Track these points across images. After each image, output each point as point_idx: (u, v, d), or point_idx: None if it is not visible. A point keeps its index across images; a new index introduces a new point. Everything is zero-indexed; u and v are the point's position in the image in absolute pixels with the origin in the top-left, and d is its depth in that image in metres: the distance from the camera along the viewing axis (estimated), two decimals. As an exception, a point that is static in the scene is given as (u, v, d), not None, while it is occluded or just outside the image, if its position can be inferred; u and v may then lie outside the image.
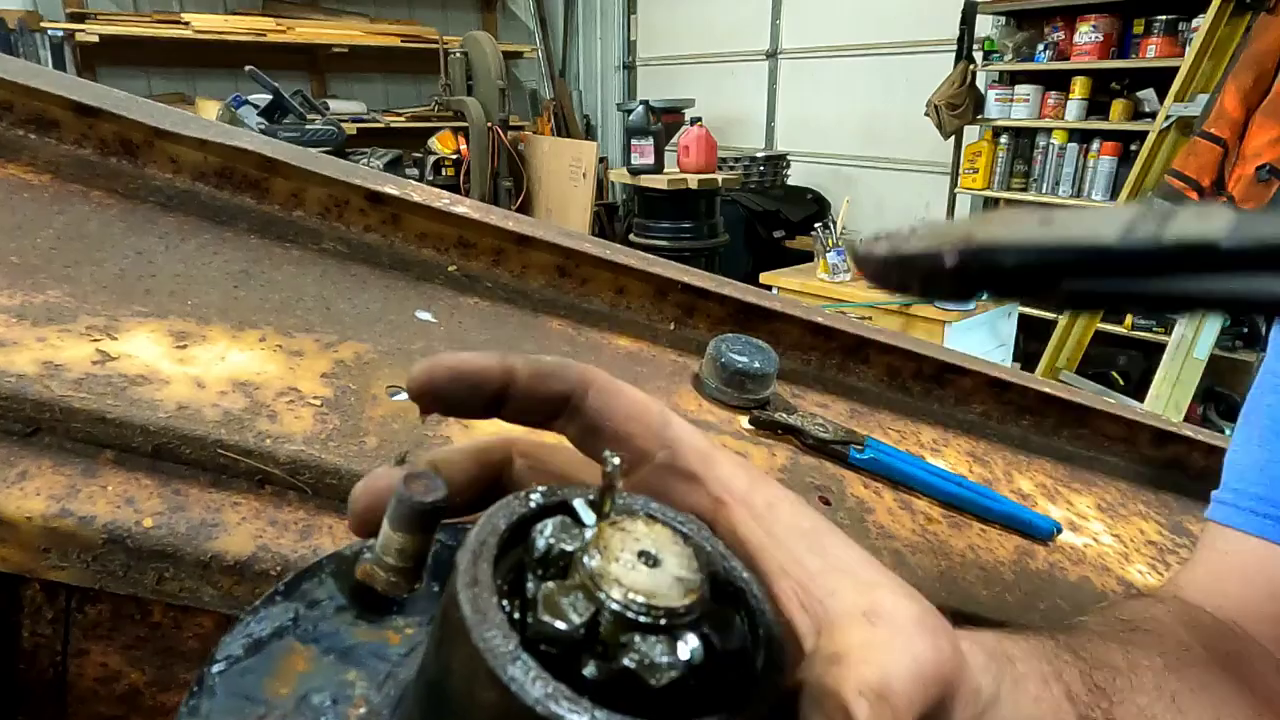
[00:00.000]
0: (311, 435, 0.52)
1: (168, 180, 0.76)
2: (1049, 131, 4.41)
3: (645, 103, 4.74)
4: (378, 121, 5.91)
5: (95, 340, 0.54)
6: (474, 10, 6.88)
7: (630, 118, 4.78)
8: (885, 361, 0.85)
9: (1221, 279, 0.19)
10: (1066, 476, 0.81)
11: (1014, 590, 0.62)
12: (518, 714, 0.18)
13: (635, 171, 4.71)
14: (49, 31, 4.95)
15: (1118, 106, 4.11)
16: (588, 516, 0.23)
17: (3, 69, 0.73)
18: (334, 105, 5.64)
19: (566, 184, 5.63)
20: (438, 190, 0.80)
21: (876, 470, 0.70)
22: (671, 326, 0.82)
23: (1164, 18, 3.88)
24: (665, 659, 0.20)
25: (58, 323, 0.55)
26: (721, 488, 0.27)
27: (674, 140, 4.82)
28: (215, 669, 0.23)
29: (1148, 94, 4.07)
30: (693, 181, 4.53)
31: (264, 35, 5.45)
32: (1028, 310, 4.12)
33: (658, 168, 4.68)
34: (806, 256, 4.52)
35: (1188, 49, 3.47)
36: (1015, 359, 3.93)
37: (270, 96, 4.25)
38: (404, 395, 0.59)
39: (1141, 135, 3.68)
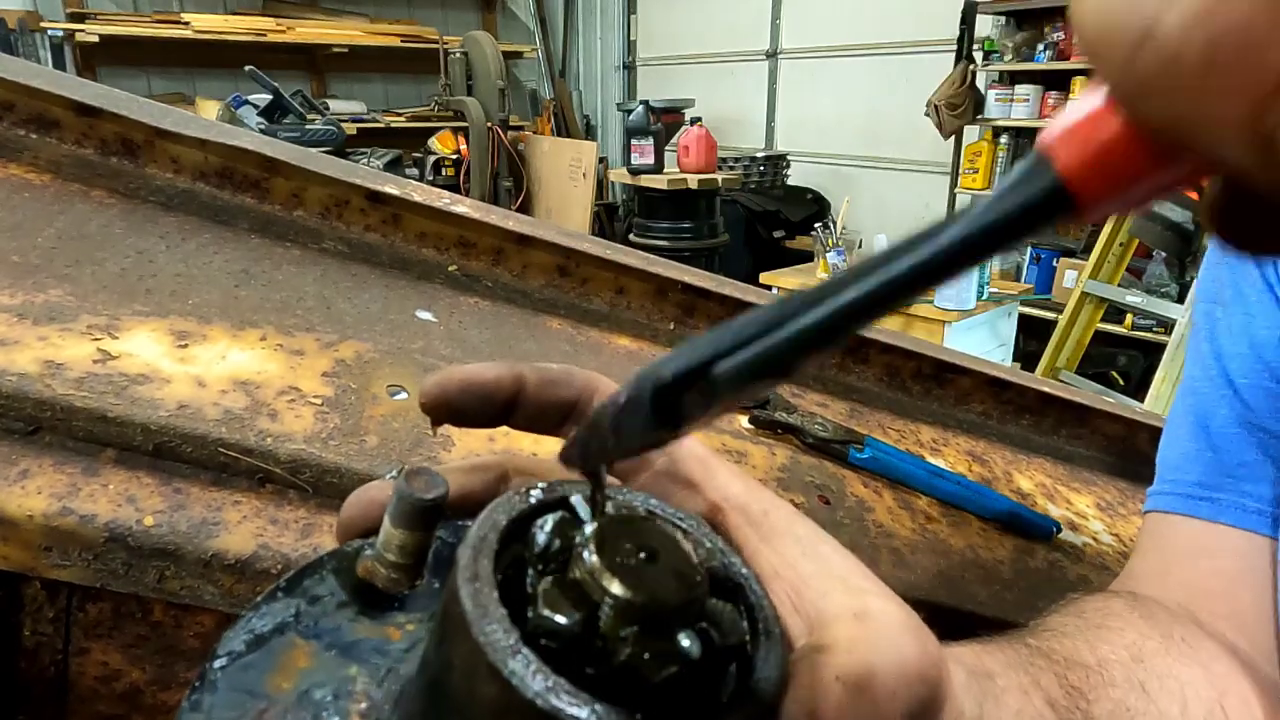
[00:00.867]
0: (312, 434, 0.52)
1: (168, 180, 0.76)
2: (1049, 131, 4.41)
3: (645, 103, 4.74)
4: (378, 121, 5.91)
5: (96, 339, 0.54)
6: (474, 10, 6.88)
7: (630, 118, 4.78)
8: (885, 361, 0.86)
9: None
10: (1066, 476, 0.82)
11: (1013, 589, 0.62)
12: (518, 708, 0.18)
13: (635, 171, 4.71)
14: (49, 31, 4.96)
15: (1117, 106, 4.11)
16: (587, 513, 0.23)
17: (3, 69, 0.73)
18: (334, 105, 5.64)
19: (566, 184, 5.63)
20: (438, 190, 0.80)
21: (876, 469, 0.70)
22: (671, 326, 0.82)
23: (1164, 18, 3.88)
24: (664, 654, 0.20)
25: (59, 322, 0.55)
26: (719, 494, 0.28)
27: (674, 140, 4.82)
28: (217, 664, 0.23)
29: (1147, 94, 4.07)
30: (693, 181, 4.53)
31: (264, 35, 5.45)
32: (1028, 310, 4.12)
33: (658, 168, 4.68)
34: (806, 256, 4.52)
35: (1187, 49, 3.46)
36: (1015, 359, 3.93)
37: (270, 96, 4.26)
38: (404, 394, 0.59)
39: (1141, 135, 3.67)
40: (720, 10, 6.29)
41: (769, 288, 3.28)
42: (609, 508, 0.24)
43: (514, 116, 5.82)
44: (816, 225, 3.99)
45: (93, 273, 0.62)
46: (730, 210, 5.14)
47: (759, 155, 5.68)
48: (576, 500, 0.24)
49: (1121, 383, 3.93)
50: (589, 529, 0.22)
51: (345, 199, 0.77)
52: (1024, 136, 4.59)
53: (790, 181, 5.77)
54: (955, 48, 4.53)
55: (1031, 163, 0.17)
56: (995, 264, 4.08)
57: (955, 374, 0.86)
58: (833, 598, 0.25)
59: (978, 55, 4.55)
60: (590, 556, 0.21)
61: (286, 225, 0.76)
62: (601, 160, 5.88)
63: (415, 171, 5.44)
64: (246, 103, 4.25)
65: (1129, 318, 3.93)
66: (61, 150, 0.74)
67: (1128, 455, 0.88)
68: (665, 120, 4.74)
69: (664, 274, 0.81)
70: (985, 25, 4.63)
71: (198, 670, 0.23)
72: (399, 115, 6.11)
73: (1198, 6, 0.14)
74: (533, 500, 0.24)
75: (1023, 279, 4.52)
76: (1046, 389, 0.87)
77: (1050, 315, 4.02)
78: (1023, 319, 3.98)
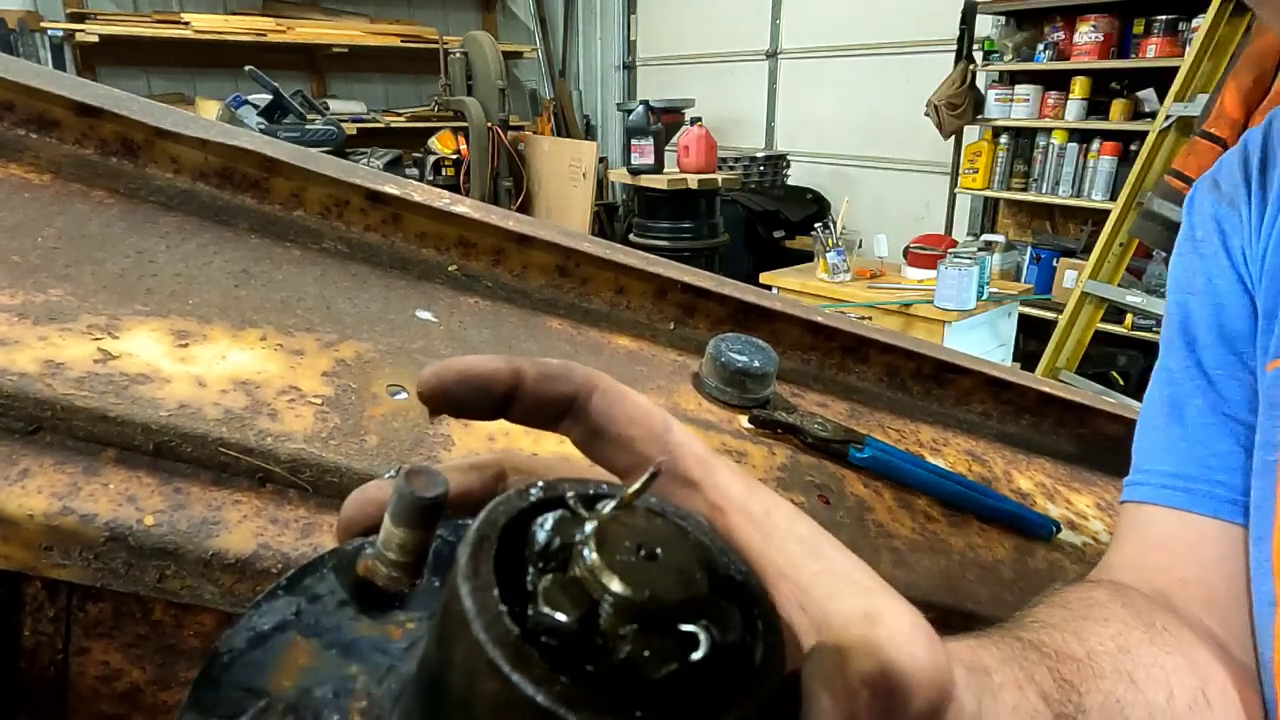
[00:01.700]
0: (312, 434, 0.52)
1: (168, 180, 0.76)
2: (1049, 131, 4.41)
3: (645, 103, 4.74)
4: (378, 121, 5.91)
5: (96, 339, 0.54)
6: (474, 10, 6.87)
7: (630, 118, 4.78)
8: (885, 361, 0.86)
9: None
10: (1066, 476, 0.82)
11: (1013, 589, 0.62)
12: (518, 706, 0.18)
13: (635, 171, 4.71)
14: (49, 31, 4.96)
15: (1118, 106, 4.11)
16: (587, 511, 0.23)
17: (3, 69, 0.73)
18: (334, 105, 5.64)
19: (566, 184, 5.63)
20: (438, 190, 0.80)
21: (876, 469, 0.70)
22: (671, 326, 0.83)
23: (1164, 18, 3.88)
24: (664, 652, 0.20)
25: (59, 322, 0.55)
26: (719, 494, 0.28)
27: (674, 140, 4.82)
28: (218, 662, 0.23)
29: (1148, 94, 4.07)
30: (693, 181, 4.53)
31: (264, 35, 5.45)
32: (1028, 310, 4.12)
33: (658, 168, 4.68)
34: (806, 256, 4.51)
35: (1188, 49, 3.46)
36: (1015, 359, 3.93)
37: (270, 96, 4.26)
38: (404, 394, 0.59)
39: (1141, 135, 3.68)
40: (720, 10, 6.29)
41: (769, 288, 3.28)
42: (609, 506, 0.24)
43: (514, 116, 5.82)
44: (816, 225, 3.99)
45: (93, 273, 0.62)
46: (730, 210, 5.14)
47: (759, 155, 5.67)
48: (575, 498, 0.24)
49: (1121, 383, 3.93)
50: (589, 527, 0.22)
51: (345, 199, 0.77)
52: (1024, 136, 4.58)
53: (790, 181, 5.77)
54: (955, 48, 4.53)
55: None
56: (995, 264, 4.08)
57: (955, 374, 0.86)
58: (840, 599, 0.25)
59: (978, 55, 4.55)
60: (590, 554, 0.21)
61: (286, 225, 0.76)
62: (601, 160, 5.88)
63: (415, 171, 5.44)
64: (246, 103, 4.25)
65: (1129, 318, 3.93)
66: (61, 150, 0.74)
67: (1127, 455, 0.88)
68: (665, 120, 4.74)
69: (664, 274, 0.81)
70: (985, 25, 4.62)
71: (198, 669, 0.23)
72: (399, 115, 6.11)
73: None
74: (533, 498, 0.24)
75: (1023, 279, 4.52)
76: (1046, 389, 0.87)
77: (1050, 315, 4.02)
78: (1023, 319, 3.98)
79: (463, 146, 5.54)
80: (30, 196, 0.68)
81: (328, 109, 5.17)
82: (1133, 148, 3.90)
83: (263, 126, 4.06)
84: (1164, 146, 3.33)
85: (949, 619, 0.58)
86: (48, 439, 0.48)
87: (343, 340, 0.63)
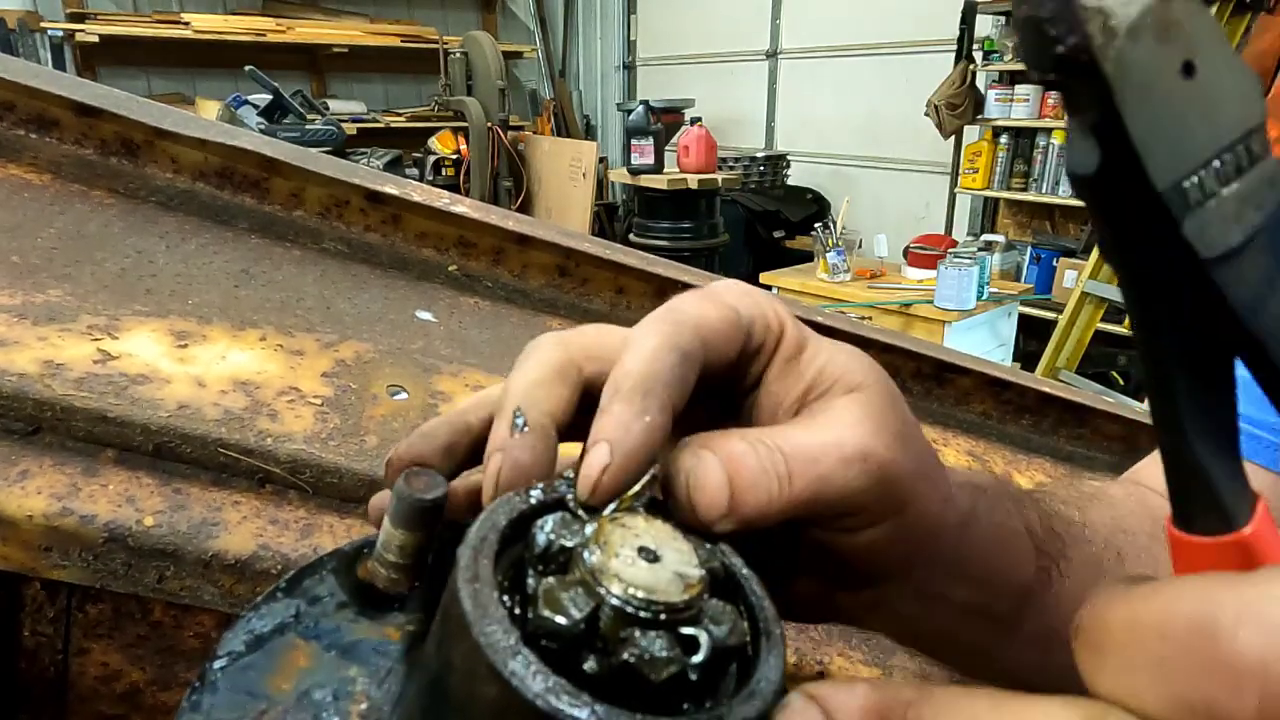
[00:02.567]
0: (312, 434, 0.52)
1: (168, 180, 0.76)
2: (1049, 131, 4.41)
3: (645, 103, 4.74)
4: (378, 121, 5.91)
5: (96, 339, 0.54)
6: (474, 10, 6.88)
7: (630, 118, 4.78)
8: (885, 361, 0.85)
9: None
10: (1066, 476, 0.82)
11: (1013, 589, 0.62)
12: (518, 708, 0.18)
13: (635, 171, 4.71)
14: (49, 31, 4.96)
15: (1118, 106, 4.11)
16: (587, 513, 0.23)
17: (3, 69, 0.73)
18: (334, 105, 5.64)
19: (566, 184, 5.63)
20: (438, 190, 0.80)
21: (876, 469, 0.69)
22: (671, 326, 0.82)
23: (1164, 18, 3.88)
24: (665, 654, 0.20)
25: (59, 322, 0.55)
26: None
27: (674, 140, 4.82)
28: (217, 664, 0.23)
29: (1148, 94, 4.07)
30: (693, 181, 4.53)
31: (264, 35, 5.45)
32: (1028, 310, 4.12)
33: (658, 168, 4.68)
34: (806, 256, 4.52)
35: (1187, 49, 3.46)
36: (1015, 359, 3.93)
37: (270, 96, 4.26)
38: (404, 395, 0.59)
39: (1141, 135, 3.67)
40: (720, 10, 6.29)
41: (769, 288, 3.28)
42: (609, 508, 0.24)
43: (514, 116, 5.82)
44: (816, 225, 3.99)
45: (93, 273, 0.62)
46: (730, 210, 5.13)
47: (759, 155, 5.67)
48: (576, 500, 0.24)
49: (1121, 383, 3.93)
50: (589, 529, 0.22)
51: (345, 199, 0.77)
52: (1024, 136, 4.59)
53: (790, 181, 5.77)
54: (955, 48, 4.53)
55: None
56: (995, 264, 4.09)
57: (955, 374, 0.86)
58: (829, 371, 0.30)
59: (978, 55, 4.55)
60: (591, 557, 0.21)
61: (286, 225, 0.76)
62: (601, 160, 5.88)
63: (415, 171, 5.44)
64: (246, 103, 4.25)
65: (1129, 317, 3.93)
66: (61, 150, 0.74)
67: (1128, 455, 0.88)
68: (665, 120, 4.74)
69: (664, 274, 0.81)
70: (985, 25, 4.62)
71: (197, 670, 0.23)
72: (399, 115, 6.11)
73: None
74: (533, 500, 0.24)
75: (1023, 279, 4.52)
76: (1047, 389, 0.86)
77: (1050, 315, 4.02)
78: (1023, 319, 3.99)
79: (463, 146, 5.54)
80: (30, 197, 0.68)
81: (328, 109, 5.17)
82: (1133, 148, 3.89)
83: (263, 126, 4.06)
84: (1164, 146, 3.32)
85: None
86: (47, 440, 0.48)
87: (343, 340, 0.63)
